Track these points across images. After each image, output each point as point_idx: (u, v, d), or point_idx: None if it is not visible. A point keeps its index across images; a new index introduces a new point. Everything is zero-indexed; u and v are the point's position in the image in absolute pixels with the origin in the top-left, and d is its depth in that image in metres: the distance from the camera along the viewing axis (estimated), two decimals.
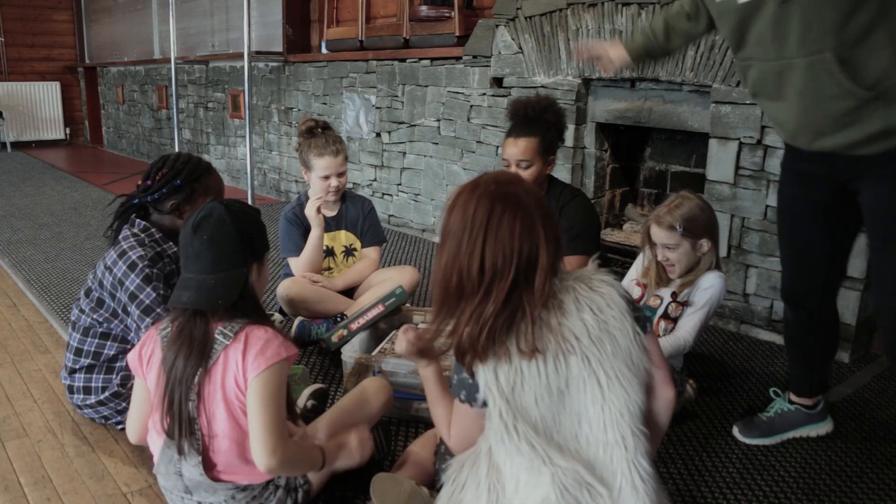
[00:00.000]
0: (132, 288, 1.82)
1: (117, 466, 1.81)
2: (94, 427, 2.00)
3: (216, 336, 1.41)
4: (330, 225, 2.68)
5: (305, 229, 2.62)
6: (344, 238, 2.72)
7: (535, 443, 1.18)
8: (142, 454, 1.86)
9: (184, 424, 1.41)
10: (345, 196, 2.72)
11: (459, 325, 1.20)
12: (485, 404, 1.23)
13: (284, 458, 1.39)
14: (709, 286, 2.07)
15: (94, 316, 1.92)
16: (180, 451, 1.42)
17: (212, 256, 1.41)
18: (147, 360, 1.49)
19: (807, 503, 1.69)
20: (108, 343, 1.92)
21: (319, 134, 2.60)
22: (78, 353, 1.94)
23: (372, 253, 2.74)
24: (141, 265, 1.82)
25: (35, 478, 1.77)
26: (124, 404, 1.92)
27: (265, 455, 1.37)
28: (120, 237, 1.92)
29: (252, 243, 1.47)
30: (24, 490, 1.72)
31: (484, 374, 1.20)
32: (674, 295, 2.11)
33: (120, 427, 1.96)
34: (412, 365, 1.96)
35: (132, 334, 1.88)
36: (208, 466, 1.44)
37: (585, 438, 1.22)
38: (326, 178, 2.57)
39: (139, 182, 1.95)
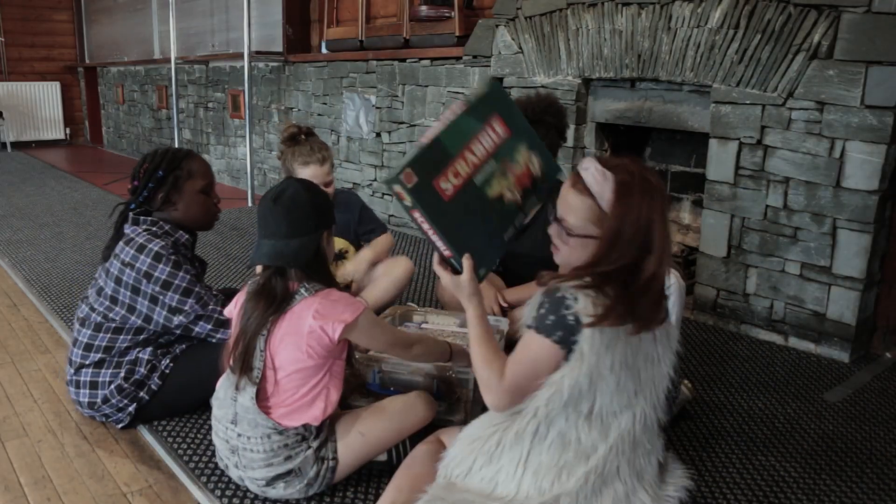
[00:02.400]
0: (164, 277, 1.87)
1: (117, 466, 1.81)
2: (94, 427, 2.00)
3: (299, 290, 1.59)
4: None
5: None
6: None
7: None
8: (141, 454, 1.87)
9: (246, 360, 1.58)
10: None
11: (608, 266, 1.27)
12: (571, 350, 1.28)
13: (418, 351, 1.72)
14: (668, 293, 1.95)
15: (110, 314, 1.92)
16: (237, 387, 1.59)
17: (289, 223, 1.58)
18: (238, 306, 1.68)
19: (807, 503, 1.69)
20: (122, 336, 1.93)
21: (303, 141, 2.46)
22: (88, 348, 1.94)
23: (383, 237, 2.67)
24: (166, 254, 1.88)
25: (35, 478, 1.77)
26: (126, 401, 1.92)
27: (405, 356, 1.72)
28: (131, 234, 1.93)
29: (324, 213, 1.63)
30: (24, 490, 1.72)
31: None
32: None
33: (120, 426, 1.96)
34: (412, 366, 1.96)
35: (163, 321, 1.91)
36: (260, 397, 1.59)
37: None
38: None
39: (129, 186, 1.99)
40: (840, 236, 2.45)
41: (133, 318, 1.92)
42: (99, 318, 1.93)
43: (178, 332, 1.95)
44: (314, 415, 1.60)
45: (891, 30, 2.22)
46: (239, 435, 1.60)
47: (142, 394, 1.93)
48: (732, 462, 1.85)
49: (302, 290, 1.59)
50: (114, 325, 1.93)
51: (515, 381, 1.33)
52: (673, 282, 1.95)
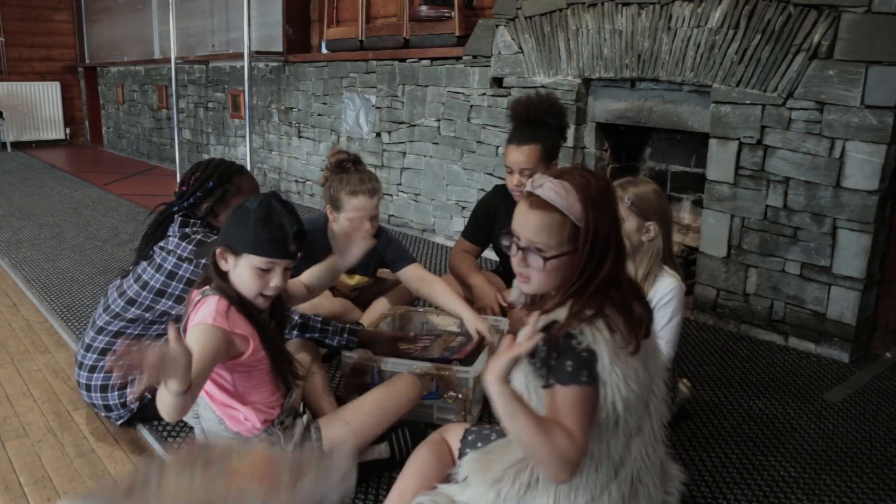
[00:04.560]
0: None
1: (117, 466, 1.81)
2: (94, 427, 2.00)
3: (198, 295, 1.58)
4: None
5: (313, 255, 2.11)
6: (351, 280, 2.58)
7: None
8: (141, 454, 1.86)
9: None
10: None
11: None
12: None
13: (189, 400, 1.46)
14: (669, 298, 1.89)
15: (156, 306, 1.92)
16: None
17: None
18: None
19: (807, 503, 1.69)
20: (156, 326, 1.95)
21: (352, 169, 2.33)
22: (118, 335, 1.93)
23: (417, 271, 2.41)
24: None
25: (35, 478, 1.77)
26: (130, 397, 1.92)
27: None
28: (188, 232, 1.93)
29: (227, 232, 1.55)
30: (24, 490, 1.72)
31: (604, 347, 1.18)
32: None
33: (119, 422, 1.96)
34: (413, 365, 1.96)
35: None
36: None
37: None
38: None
39: (175, 190, 2.00)
40: (840, 236, 2.45)
41: (180, 307, 1.93)
42: (139, 311, 1.93)
43: None
44: (243, 426, 1.56)
45: (891, 30, 2.22)
46: (198, 416, 1.63)
47: (146, 392, 1.93)
48: (732, 462, 1.85)
49: (198, 295, 1.57)
50: (152, 316, 1.93)
51: (585, 440, 1.18)
52: (675, 285, 1.96)
